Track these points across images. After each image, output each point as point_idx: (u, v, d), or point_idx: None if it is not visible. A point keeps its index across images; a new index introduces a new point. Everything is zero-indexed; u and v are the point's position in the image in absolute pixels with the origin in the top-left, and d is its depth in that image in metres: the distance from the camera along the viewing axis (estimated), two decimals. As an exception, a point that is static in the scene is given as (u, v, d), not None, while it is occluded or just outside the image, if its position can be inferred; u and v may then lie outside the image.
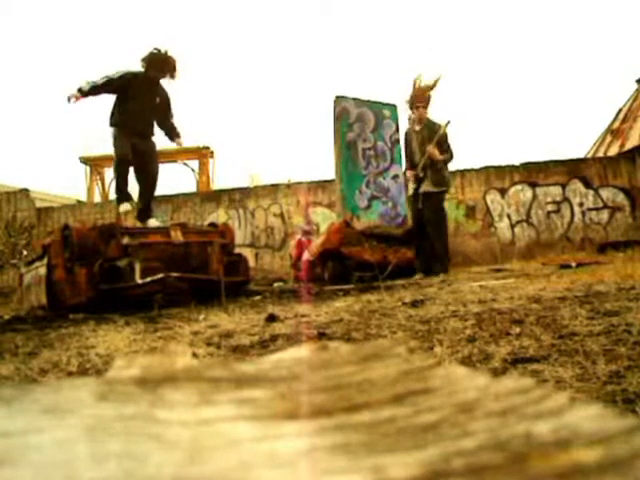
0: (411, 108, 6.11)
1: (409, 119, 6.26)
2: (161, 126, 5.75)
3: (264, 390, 0.31)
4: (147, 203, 5.63)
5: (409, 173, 6.07)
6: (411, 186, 6.10)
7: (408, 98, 6.11)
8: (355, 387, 0.30)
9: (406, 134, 6.28)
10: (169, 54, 5.49)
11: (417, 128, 6.04)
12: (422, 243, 6.04)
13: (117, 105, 5.47)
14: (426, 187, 5.97)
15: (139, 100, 5.38)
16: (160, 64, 5.43)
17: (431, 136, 5.91)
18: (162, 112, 5.68)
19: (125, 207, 5.44)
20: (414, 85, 6.03)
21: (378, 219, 8.20)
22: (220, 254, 4.96)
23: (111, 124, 5.49)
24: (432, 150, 5.85)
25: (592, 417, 0.23)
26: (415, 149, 6.04)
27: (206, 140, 18.47)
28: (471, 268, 7.60)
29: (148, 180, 5.64)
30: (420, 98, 6.00)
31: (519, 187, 11.20)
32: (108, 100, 5.52)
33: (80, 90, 5.30)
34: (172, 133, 5.81)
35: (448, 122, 6.00)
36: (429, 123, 6.05)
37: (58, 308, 4.36)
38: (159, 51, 5.45)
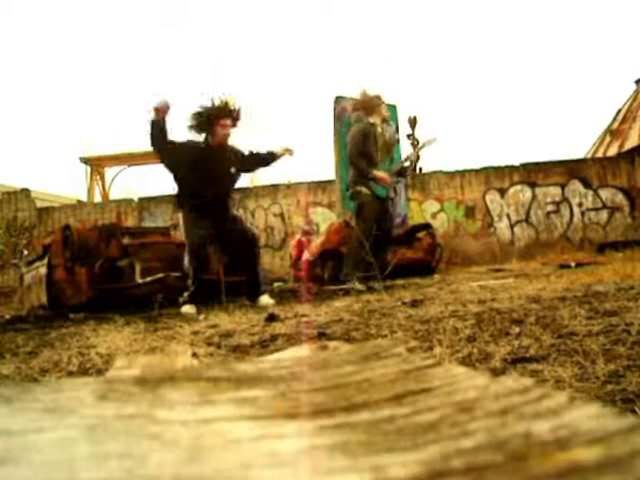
0: (368, 113, 5.64)
1: (360, 119, 5.78)
2: (257, 167, 4.70)
3: (264, 390, 0.31)
4: (255, 276, 4.33)
5: (383, 174, 5.34)
6: (379, 187, 5.35)
7: (363, 104, 5.67)
8: (355, 387, 0.30)
9: (368, 130, 5.55)
10: (231, 101, 4.17)
11: (379, 130, 5.51)
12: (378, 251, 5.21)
13: (181, 184, 4.24)
14: (394, 193, 5.51)
15: (209, 174, 4.13)
16: (226, 119, 4.13)
17: (388, 141, 5.56)
18: (244, 164, 4.48)
19: (188, 310, 3.90)
20: (365, 94, 5.75)
21: (378, 219, 8.21)
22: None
23: (180, 206, 4.30)
24: (417, 156, 5.44)
25: (591, 417, 0.23)
26: (374, 150, 5.44)
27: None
28: (471, 268, 7.61)
29: (249, 257, 4.35)
30: (371, 104, 5.67)
31: (519, 187, 11.21)
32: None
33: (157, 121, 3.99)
34: (271, 159, 4.60)
35: (435, 139, 5.70)
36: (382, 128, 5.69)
37: (59, 308, 4.37)
38: (221, 103, 4.13)
